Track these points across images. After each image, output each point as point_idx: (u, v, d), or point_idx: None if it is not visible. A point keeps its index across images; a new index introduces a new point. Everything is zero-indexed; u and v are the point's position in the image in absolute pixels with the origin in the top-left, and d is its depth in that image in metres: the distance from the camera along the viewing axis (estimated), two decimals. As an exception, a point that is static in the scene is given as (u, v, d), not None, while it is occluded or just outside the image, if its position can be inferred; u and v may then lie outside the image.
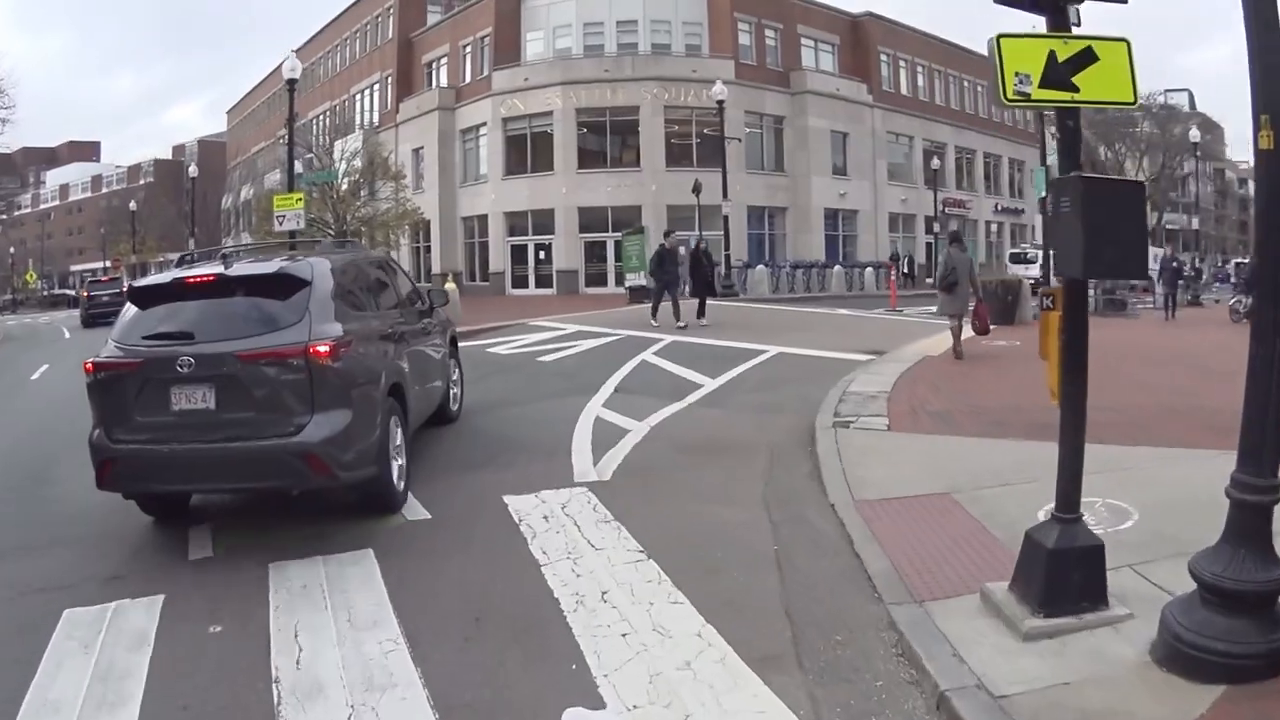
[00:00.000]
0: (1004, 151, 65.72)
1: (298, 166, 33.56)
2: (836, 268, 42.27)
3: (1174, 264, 28.69)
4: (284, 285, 7.43)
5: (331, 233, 36.40)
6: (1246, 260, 34.21)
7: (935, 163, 53.38)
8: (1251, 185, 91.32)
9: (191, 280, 7.48)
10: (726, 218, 37.02)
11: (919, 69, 58.79)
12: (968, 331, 16.20)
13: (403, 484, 8.09)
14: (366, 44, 61.37)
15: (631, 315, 26.86)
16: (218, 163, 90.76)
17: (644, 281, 33.95)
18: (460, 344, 13.10)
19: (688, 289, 24.33)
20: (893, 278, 32.12)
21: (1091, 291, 26.66)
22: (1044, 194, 25.75)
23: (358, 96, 61.70)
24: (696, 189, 37.81)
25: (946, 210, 54.44)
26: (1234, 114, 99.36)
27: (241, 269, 7.80)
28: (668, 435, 10.52)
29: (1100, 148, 72.93)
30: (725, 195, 36.56)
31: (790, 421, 11.09)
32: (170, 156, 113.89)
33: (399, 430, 8.17)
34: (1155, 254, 66.52)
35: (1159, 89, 75.15)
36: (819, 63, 53.06)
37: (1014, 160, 66.74)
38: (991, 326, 17.13)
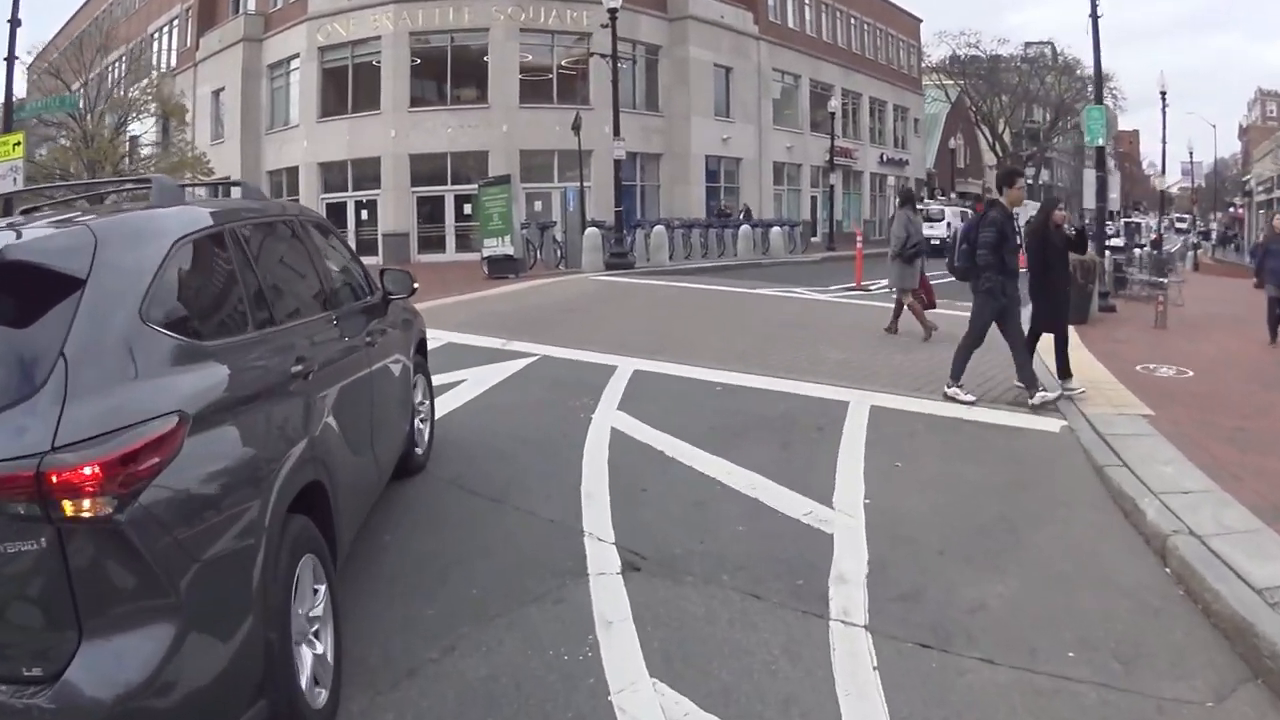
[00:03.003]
0: (890, 97, 59.74)
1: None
2: (744, 227, 34.62)
3: None
4: (20, 287, 3.06)
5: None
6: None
7: (833, 104, 46.44)
8: (1110, 144, 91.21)
9: None
10: (618, 163, 28.72)
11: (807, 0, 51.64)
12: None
13: (323, 699, 3.74)
14: (170, -29, 49.69)
15: (514, 302, 18.73)
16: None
17: (510, 250, 25.60)
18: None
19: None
20: (859, 245, 24.39)
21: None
22: (1100, 141, 18.69)
23: (156, 36, 50.09)
24: (576, 125, 29.47)
25: (835, 160, 47.58)
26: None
27: None
28: None
29: (994, 98, 69.25)
30: (617, 133, 28.27)
31: None
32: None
33: (320, 591, 3.92)
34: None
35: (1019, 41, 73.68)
36: (701, -17, 45.08)
37: (899, 107, 61.02)
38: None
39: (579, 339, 13.23)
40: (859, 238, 25.16)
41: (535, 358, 11.72)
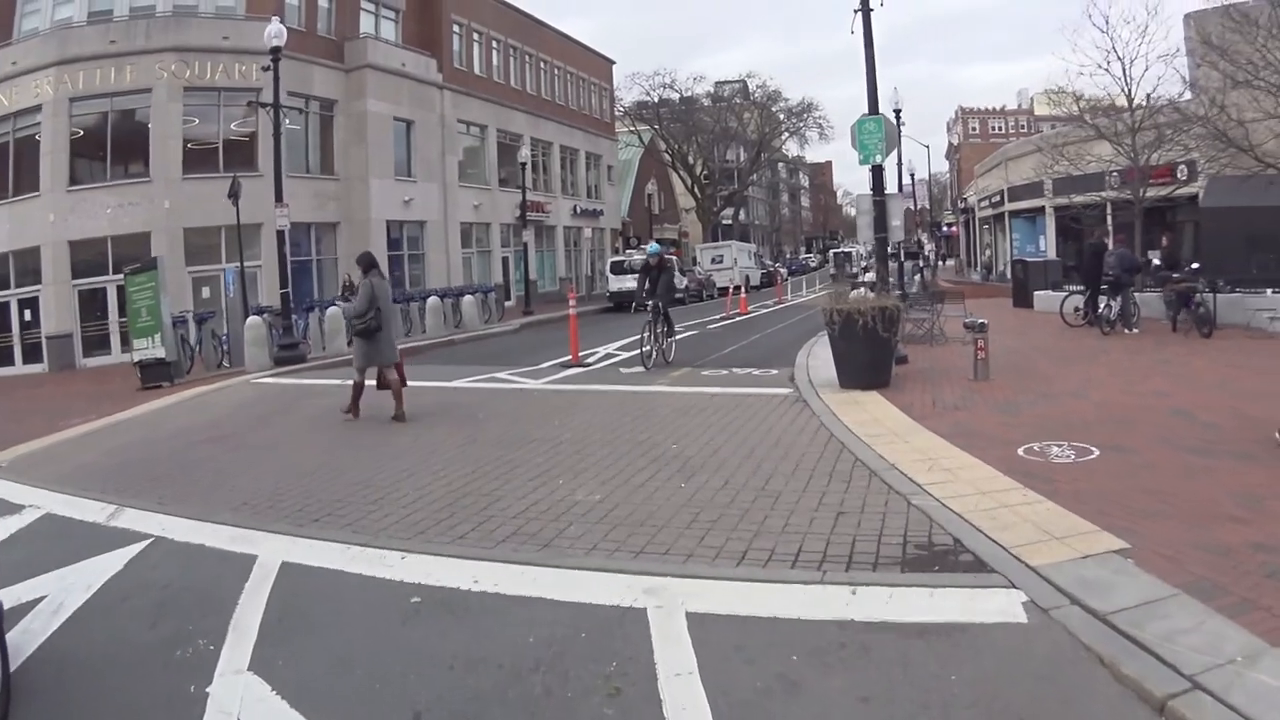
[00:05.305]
0: (582, 145, 58.09)
1: None
2: (432, 299, 30.99)
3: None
4: None
5: None
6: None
7: (523, 155, 43.73)
8: (805, 177, 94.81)
9: None
10: (282, 234, 24.19)
11: (494, 44, 49.22)
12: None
13: None
14: None
15: (149, 428, 14.65)
16: None
17: (161, 351, 20.89)
18: None
19: None
20: (572, 309, 20.38)
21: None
22: (878, 159, 16.01)
23: None
24: (234, 191, 24.94)
25: (527, 216, 44.77)
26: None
27: None
28: None
29: (690, 139, 69.07)
30: (279, 198, 23.61)
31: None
32: None
33: None
34: (749, 252, 61.85)
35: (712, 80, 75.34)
36: (380, 31, 41.32)
37: (591, 154, 59.45)
38: (863, 389, 12.90)
39: (212, 494, 9.46)
40: (572, 299, 21.83)
41: (147, 541, 7.91)
